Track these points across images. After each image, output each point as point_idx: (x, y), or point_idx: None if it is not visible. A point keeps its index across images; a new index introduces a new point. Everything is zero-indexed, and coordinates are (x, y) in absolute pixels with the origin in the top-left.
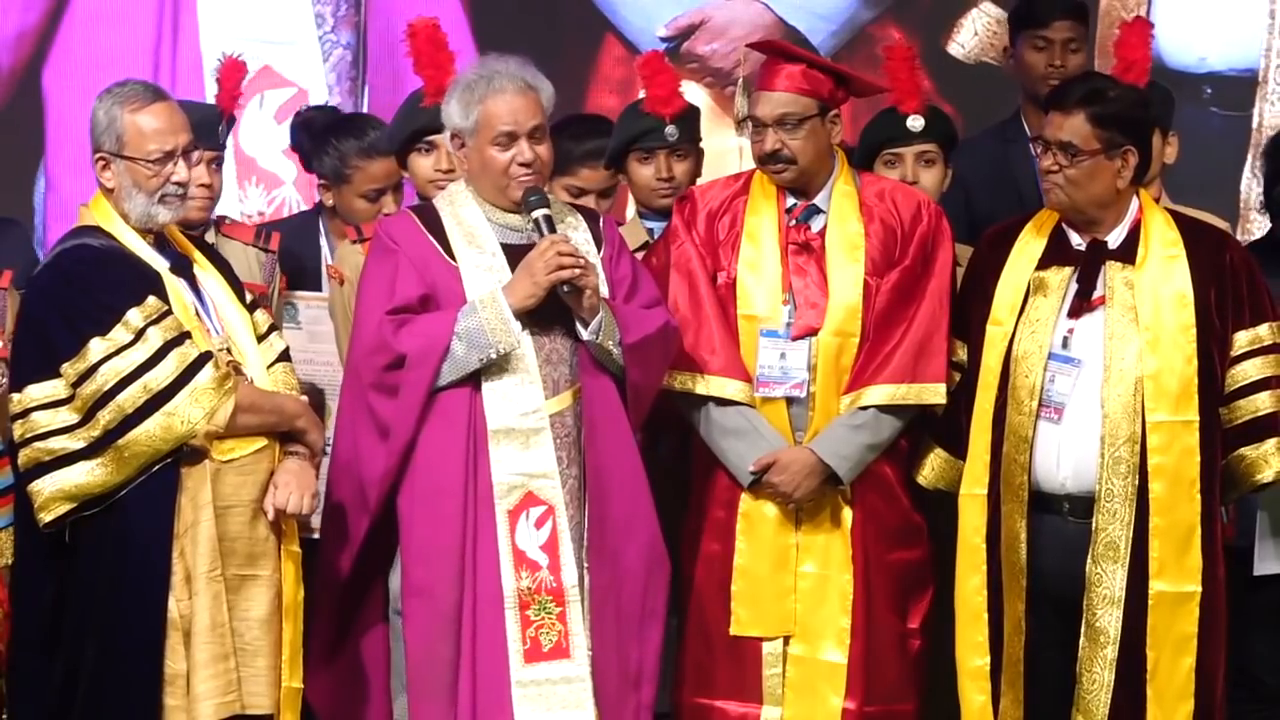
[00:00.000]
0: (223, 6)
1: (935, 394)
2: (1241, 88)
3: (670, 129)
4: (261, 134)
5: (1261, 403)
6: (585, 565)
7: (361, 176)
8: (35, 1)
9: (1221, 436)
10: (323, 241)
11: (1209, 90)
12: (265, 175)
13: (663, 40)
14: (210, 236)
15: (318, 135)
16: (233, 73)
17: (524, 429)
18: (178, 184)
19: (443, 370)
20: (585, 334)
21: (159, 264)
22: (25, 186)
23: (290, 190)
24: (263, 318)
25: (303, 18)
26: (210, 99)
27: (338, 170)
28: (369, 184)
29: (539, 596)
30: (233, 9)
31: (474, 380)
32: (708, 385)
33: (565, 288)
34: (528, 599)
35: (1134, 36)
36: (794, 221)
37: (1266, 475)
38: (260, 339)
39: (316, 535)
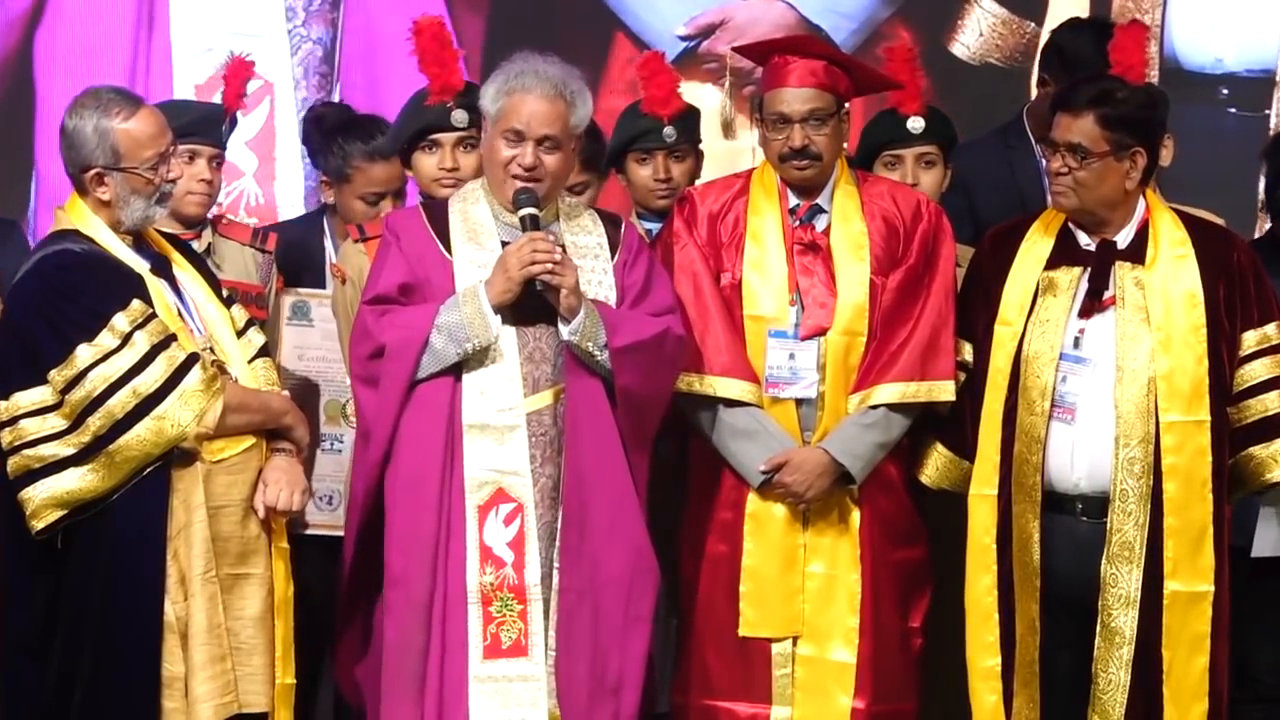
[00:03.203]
0: None
1: (945, 391)
2: (1258, 88)
3: (668, 130)
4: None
5: (1270, 402)
6: (556, 565)
7: (362, 179)
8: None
9: (1230, 436)
10: (327, 241)
11: (1225, 91)
12: (225, 167)
13: (682, 39)
14: (207, 235)
15: (327, 132)
16: (239, 71)
17: (499, 425)
18: (171, 182)
19: (422, 363)
20: (564, 333)
21: (140, 266)
22: (23, 183)
23: (250, 183)
24: (240, 313)
25: (273, 11)
26: (177, 92)
27: (340, 169)
28: (368, 187)
29: (501, 593)
30: (203, 1)
31: (455, 373)
32: (714, 386)
33: (539, 284)
34: (490, 595)
35: (1129, 40)
36: (798, 222)
37: (1275, 474)
38: (239, 334)
39: (308, 531)
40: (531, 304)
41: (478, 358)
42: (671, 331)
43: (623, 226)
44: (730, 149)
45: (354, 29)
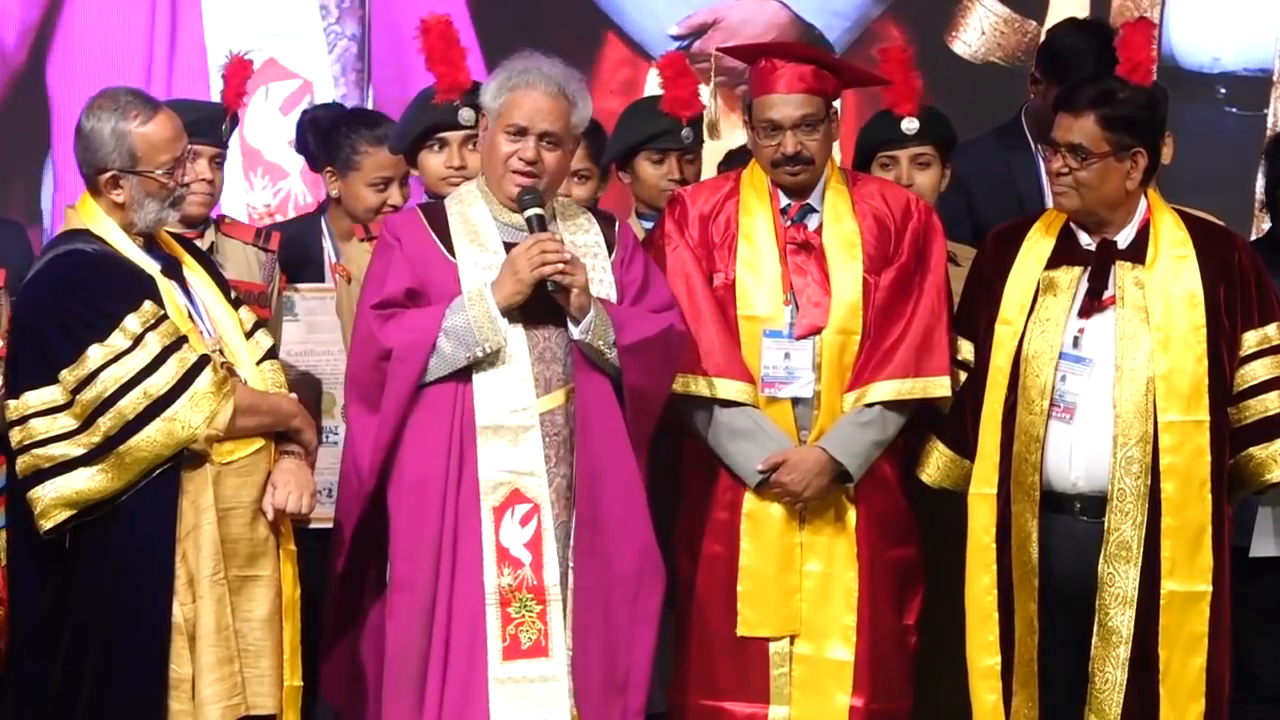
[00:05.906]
0: None
1: (939, 387)
2: (1256, 87)
3: (686, 131)
4: (267, 126)
5: (1271, 403)
6: (571, 565)
7: (371, 163)
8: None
9: (1230, 436)
10: (325, 240)
11: (1223, 90)
12: (270, 167)
13: (674, 39)
14: (210, 235)
15: (325, 130)
16: (239, 70)
17: (513, 426)
18: (185, 185)
19: (430, 367)
20: (575, 332)
21: (151, 267)
22: (33, 185)
23: (296, 182)
24: (248, 315)
25: (307, 9)
26: (215, 94)
27: (348, 158)
28: (378, 171)
29: (520, 594)
30: (236, 1)
31: (464, 375)
32: (710, 387)
33: (550, 285)
34: (509, 596)
35: (1138, 37)
36: (790, 221)
37: (1275, 475)
38: (247, 336)
39: (316, 525)
40: (540, 304)
41: (489, 359)
42: (674, 328)
43: (616, 225)
44: (719, 149)
45: (381, 25)
